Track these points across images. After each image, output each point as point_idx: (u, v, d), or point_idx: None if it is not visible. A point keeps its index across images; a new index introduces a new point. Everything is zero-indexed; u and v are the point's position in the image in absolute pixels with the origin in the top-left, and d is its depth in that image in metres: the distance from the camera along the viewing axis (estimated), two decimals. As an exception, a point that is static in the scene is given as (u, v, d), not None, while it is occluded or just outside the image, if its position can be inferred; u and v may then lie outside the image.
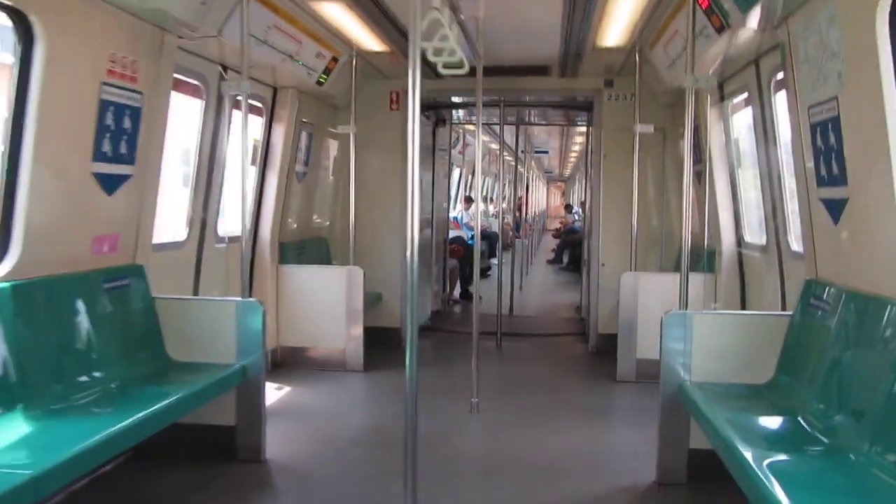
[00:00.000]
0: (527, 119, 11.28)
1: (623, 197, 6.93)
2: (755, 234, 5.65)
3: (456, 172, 16.96)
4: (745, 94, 5.38)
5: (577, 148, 16.54)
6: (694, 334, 4.05)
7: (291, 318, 6.77)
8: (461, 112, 10.54)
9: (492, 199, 20.36)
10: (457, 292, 11.08)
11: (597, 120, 7.80)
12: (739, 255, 5.84)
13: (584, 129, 10.97)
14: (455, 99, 9.18)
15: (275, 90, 6.58)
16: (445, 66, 4.10)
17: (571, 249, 15.82)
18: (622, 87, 7.48)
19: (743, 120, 5.68)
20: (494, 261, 14.07)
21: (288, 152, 6.70)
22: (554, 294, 12.91)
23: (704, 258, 5.91)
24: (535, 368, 7.11)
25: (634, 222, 6.57)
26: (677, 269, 7.17)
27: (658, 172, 7.55)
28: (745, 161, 5.77)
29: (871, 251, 3.28)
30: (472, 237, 13.74)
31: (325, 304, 6.72)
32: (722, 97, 5.89)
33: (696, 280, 5.12)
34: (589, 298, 7.83)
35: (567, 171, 27.24)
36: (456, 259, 10.88)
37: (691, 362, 4.05)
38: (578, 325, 9.15)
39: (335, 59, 6.54)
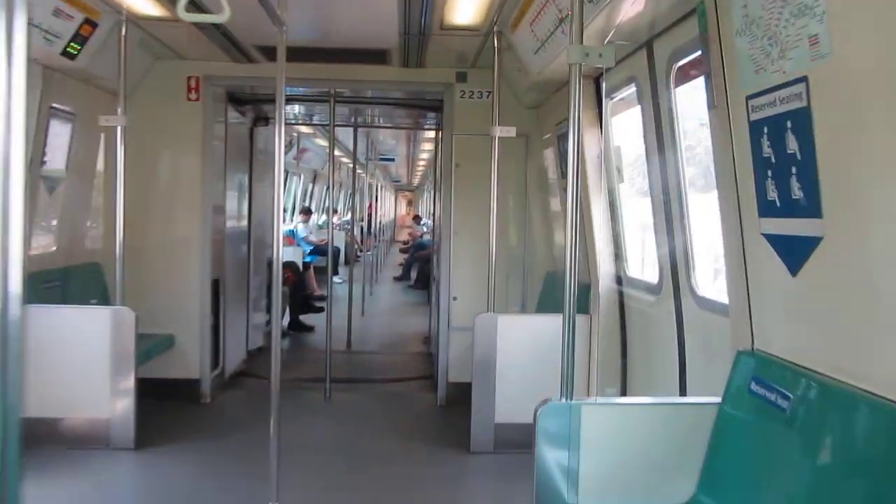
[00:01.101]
0: (367, 121, 9.77)
1: (479, 217, 5.59)
2: (641, 268, 4.47)
3: (297, 181, 15.28)
4: (632, 89, 4.17)
5: (425, 155, 15.24)
6: (582, 434, 2.72)
7: (37, 378, 4.89)
8: (298, 109, 8.86)
9: (335, 210, 18.77)
10: (286, 321, 9.38)
11: (448, 122, 6.45)
12: (620, 294, 4.64)
13: (433, 134, 9.62)
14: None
15: (8, 63, 4.72)
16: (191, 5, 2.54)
17: (420, 265, 14.61)
18: (478, 82, 6.20)
19: (626, 123, 4.49)
20: (337, 279, 12.54)
21: (28, 149, 4.85)
22: (401, 319, 11.41)
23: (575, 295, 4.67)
24: (370, 435, 5.48)
25: (492, 248, 5.21)
26: (543, 308, 5.97)
27: (520, 187, 6.32)
28: (629, 174, 4.60)
29: (865, 322, 2.06)
30: (310, 252, 12.33)
31: (82, 358, 4.93)
32: (599, 99, 4.68)
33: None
34: (438, 337, 6.43)
35: (416, 181, 26.01)
36: (287, 286, 9.19)
37: (578, 476, 2.72)
38: (427, 361, 7.78)
39: (91, 24, 4.76)
